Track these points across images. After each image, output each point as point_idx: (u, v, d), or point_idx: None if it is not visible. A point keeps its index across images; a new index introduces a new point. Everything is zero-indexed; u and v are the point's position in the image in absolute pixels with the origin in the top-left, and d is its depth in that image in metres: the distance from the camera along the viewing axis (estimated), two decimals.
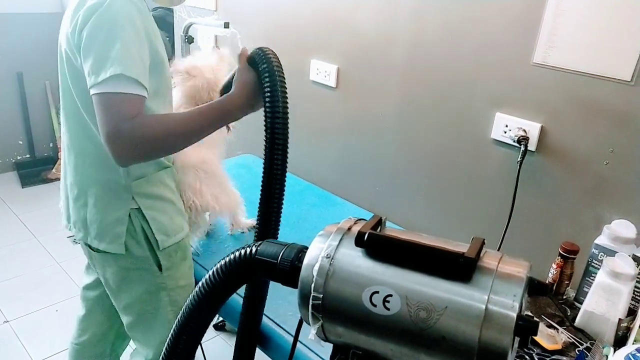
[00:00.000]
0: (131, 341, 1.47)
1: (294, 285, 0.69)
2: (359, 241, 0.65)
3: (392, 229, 0.72)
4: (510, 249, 1.45)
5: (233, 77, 1.11)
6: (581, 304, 1.21)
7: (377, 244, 0.65)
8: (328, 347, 0.73)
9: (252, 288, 1.13)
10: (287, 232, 1.68)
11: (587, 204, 1.43)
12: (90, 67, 0.99)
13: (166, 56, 1.15)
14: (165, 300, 1.27)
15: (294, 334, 0.91)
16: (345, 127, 2.01)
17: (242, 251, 0.76)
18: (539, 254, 1.51)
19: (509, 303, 0.57)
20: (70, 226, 1.26)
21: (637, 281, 1.17)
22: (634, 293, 1.17)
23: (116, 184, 1.16)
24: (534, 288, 0.63)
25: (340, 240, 0.67)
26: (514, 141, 1.48)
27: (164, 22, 2.99)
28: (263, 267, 0.74)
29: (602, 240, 1.25)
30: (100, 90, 0.97)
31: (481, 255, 0.63)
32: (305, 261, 0.67)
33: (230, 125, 1.17)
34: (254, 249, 0.75)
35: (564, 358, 1.09)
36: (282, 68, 1.05)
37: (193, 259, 1.37)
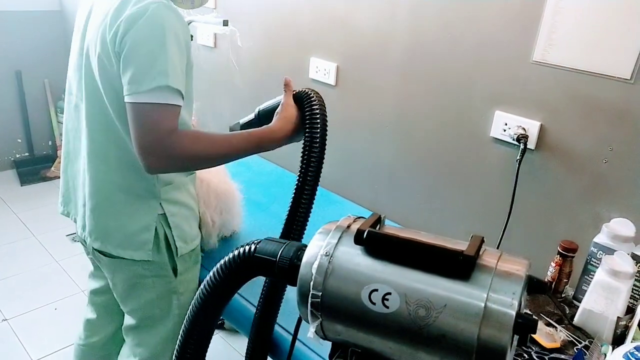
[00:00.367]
0: None
1: (293, 283, 0.69)
2: (358, 239, 0.65)
3: (391, 227, 0.72)
4: (509, 247, 1.45)
5: (276, 107, 1.15)
6: (580, 302, 1.21)
7: (376, 242, 0.65)
8: (327, 345, 0.73)
9: (268, 294, 1.11)
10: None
11: (586, 202, 1.43)
12: (131, 75, 0.98)
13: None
14: (174, 303, 1.26)
15: (292, 332, 0.91)
16: (345, 125, 2.01)
17: (242, 249, 0.76)
18: (537, 252, 1.52)
19: (508, 301, 0.57)
20: (85, 235, 1.22)
21: (635, 279, 1.17)
22: (632, 291, 1.17)
23: (144, 190, 1.15)
24: (533, 286, 0.63)
25: (340, 238, 0.67)
26: (514, 139, 1.48)
27: None
28: (262, 265, 0.74)
29: (601, 238, 1.25)
30: (141, 99, 0.98)
31: (480, 253, 0.63)
32: (305, 259, 0.67)
33: None
34: (252, 247, 0.75)
35: (563, 356, 1.09)
36: (325, 110, 1.10)
37: None
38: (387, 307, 0.61)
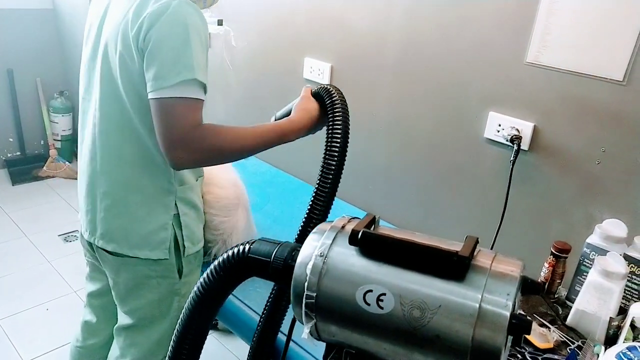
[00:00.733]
0: None
1: (287, 284, 0.68)
2: (353, 239, 0.65)
3: (385, 228, 0.72)
4: (502, 247, 1.46)
5: (291, 107, 1.18)
6: (573, 302, 1.21)
7: (371, 243, 0.64)
8: (321, 346, 0.73)
9: (275, 303, 1.09)
10: (279, 231, 1.68)
11: (579, 203, 1.44)
12: (156, 71, 0.99)
13: None
14: (175, 305, 1.26)
15: (286, 332, 0.91)
16: None
17: (235, 250, 0.75)
18: (531, 252, 1.52)
19: (502, 302, 0.57)
20: (95, 239, 1.21)
21: (628, 280, 1.17)
22: (625, 292, 1.18)
23: (161, 189, 1.15)
24: (527, 287, 0.63)
25: (334, 238, 0.67)
26: (507, 140, 1.49)
27: None
28: (256, 265, 0.74)
29: (593, 239, 1.25)
30: (167, 94, 0.98)
31: (475, 254, 0.63)
32: (299, 259, 0.67)
33: None
34: (247, 248, 0.74)
35: (556, 357, 1.09)
36: (345, 101, 1.09)
37: None
38: (382, 308, 0.61)
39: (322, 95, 1.12)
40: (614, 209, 1.37)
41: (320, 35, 1.99)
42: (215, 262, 0.76)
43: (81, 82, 1.20)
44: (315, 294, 0.64)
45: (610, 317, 1.12)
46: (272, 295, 1.07)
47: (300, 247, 0.69)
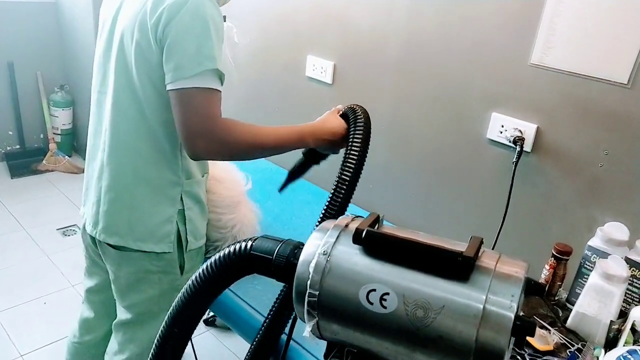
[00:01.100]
0: None
1: (289, 282, 0.68)
2: (357, 238, 0.64)
3: (389, 227, 0.71)
4: (503, 248, 1.45)
5: None
6: (573, 305, 1.21)
7: (374, 242, 0.64)
8: (321, 345, 0.72)
9: (281, 305, 1.09)
10: (280, 229, 1.67)
11: (581, 205, 1.43)
12: (176, 62, 1.00)
13: None
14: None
15: (286, 331, 0.90)
16: None
17: (237, 246, 0.75)
18: (532, 254, 1.52)
19: (506, 303, 0.57)
20: (97, 232, 1.20)
21: (629, 283, 1.17)
22: (625, 295, 1.18)
23: (168, 181, 1.15)
24: (531, 289, 0.63)
25: (338, 237, 0.66)
26: (510, 141, 1.49)
27: None
28: (258, 262, 0.73)
29: (595, 242, 1.25)
30: (187, 85, 0.99)
31: (479, 254, 0.62)
32: (302, 257, 0.66)
33: None
34: (249, 244, 0.74)
35: (556, 359, 1.09)
36: (370, 122, 1.13)
37: None
38: (385, 308, 0.60)
39: (347, 114, 1.17)
40: (616, 212, 1.36)
41: (322, 33, 1.98)
42: (216, 256, 0.76)
43: (95, 76, 1.20)
44: (317, 292, 0.63)
45: (611, 320, 1.11)
46: (280, 295, 1.07)
47: (303, 245, 0.69)
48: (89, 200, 1.24)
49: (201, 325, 2.15)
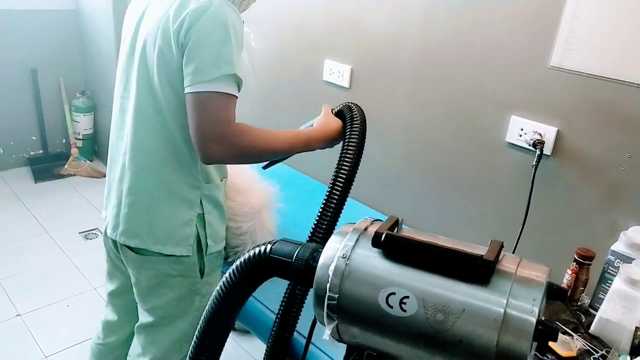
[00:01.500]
0: None
1: (309, 285, 0.68)
2: (376, 242, 0.64)
3: (408, 230, 0.71)
4: (523, 253, 1.43)
5: (312, 123, 1.27)
6: (596, 310, 1.19)
7: (394, 245, 0.64)
8: (340, 348, 0.72)
9: (289, 300, 1.10)
10: (297, 232, 1.67)
11: (603, 209, 1.41)
12: (196, 66, 1.02)
13: None
14: (196, 305, 1.27)
15: (305, 334, 0.91)
16: None
17: (257, 250, 0.75)
18: (553, 259, 1.49)
19: (528, 307, 0.56)
20: (117, 235, 1.22)
21: None
22: None
23: (187, 185, 1.17)
24: (553, 293, 0.62)
25: (357, 240, 0.66)
26: (530, 145, 1.47)
27: None
28: (278, 266, 0.73)
29: (618, 246, 1.23)
30: (205, 88, 1.02)
31: (500, 258, 0.62)
32: (321, 261, 0.66)
33: None
34: (268, 248, 0.74)
35: None
36: (365, 118, 1.19)
37: None
38: (405, 311, 0.60)
39: (343, 111, 1.22)
40: (639, 216, 1.34)
41: (339, 37, 1.99)
42: (237, 262, 0.76)
43: (118, 81, 1.22)
44: (337, 295, 0.64)
45: (636, 327, 1.09)
46: (285, 295, 1.07)
47: (322, 248, 0.69)
48: (110, 203, 1.26)
49: None
